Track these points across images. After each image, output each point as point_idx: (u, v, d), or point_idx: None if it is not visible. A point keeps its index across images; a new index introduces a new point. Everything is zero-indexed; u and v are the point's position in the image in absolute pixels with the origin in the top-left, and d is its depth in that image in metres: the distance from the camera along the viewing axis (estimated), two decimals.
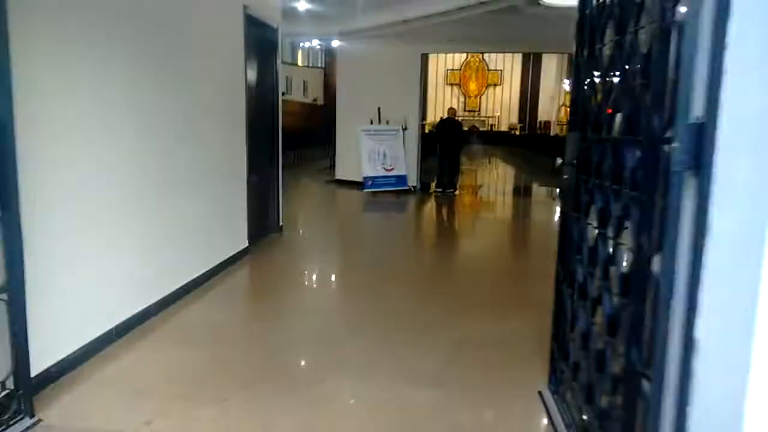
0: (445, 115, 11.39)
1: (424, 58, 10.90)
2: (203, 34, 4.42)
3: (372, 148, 10.55)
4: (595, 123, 2.23)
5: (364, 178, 10.45)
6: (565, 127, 36.92)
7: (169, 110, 3.90)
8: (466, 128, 36.10)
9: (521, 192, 13.28)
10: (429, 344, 3.37)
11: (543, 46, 10.76)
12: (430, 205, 10.34)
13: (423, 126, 11.54)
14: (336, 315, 3.97)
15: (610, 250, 1.95)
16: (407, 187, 10.68)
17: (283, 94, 21.53)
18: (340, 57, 11.72)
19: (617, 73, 2.03)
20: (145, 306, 3.58)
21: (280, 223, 6.50)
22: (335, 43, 11.98)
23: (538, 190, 13.26)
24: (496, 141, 33.90)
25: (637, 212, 1.69)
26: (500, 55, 38.98)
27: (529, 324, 3.71)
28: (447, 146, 10.83)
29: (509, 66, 39.10)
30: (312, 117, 34.54)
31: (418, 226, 8.08)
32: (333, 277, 5.17)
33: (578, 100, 2.48)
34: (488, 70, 39.16)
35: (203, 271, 4.43)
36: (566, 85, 37.66)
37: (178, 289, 3.99)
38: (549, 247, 7.25)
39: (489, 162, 22.19)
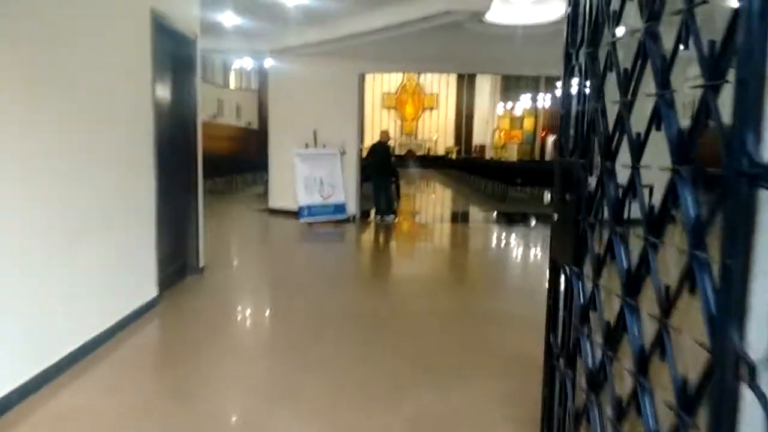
0: (377, 139, 10.78)
1: (362, 78, 10.33)
2: (97, 40, 3.60)
3: (308, 174, 9.81)
4: (607, 146, 1.62)
5: (300, 207, 9.67)
6: (499, 150, 37.66)
7: (51, 141, 3.06)
8: (402, 153, 36.30)
9: (461, 217, 12.86)
10: (379, 426, 2.66)
11: (484, 66, 10.48)
12: (370, 236, 9.68)
13: (360, 150, 10.91)
14: (260, 387, 3.18)
15: (649, 331, 1.32)
16: (346, 217, 9.98)
17: (214, 116, 20.48)
18: (273, 76, 10.98)
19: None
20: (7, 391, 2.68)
21: (201, 264, 5.63)
22: (267, 62, 11.22)
23: (477, 215, 12.89)
24: (433, 165, 33.89)
25: (707, 280, 1.07)
26: (436, 79, 39.39)
27: (493, 386, 3.08)
28: (379, 172, 10.26)
29: (444, 90, 39.56)
30: (246, 141, 33.36)
31: (358, 261, 7.35)
32: (258, 332, 4.34)
33: (579, 114, 1.88)
34: (424, 93, 39.43)
35: (94, 334, 3.52)
36: (499, 109, 38.49)
37: (57, 363, 3.09)
38: (495, 280, 6.80)
39: (427, 186, 21.91)
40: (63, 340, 3.21)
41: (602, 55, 1.76)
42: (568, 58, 1.98)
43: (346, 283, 5.69)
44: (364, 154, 10.84)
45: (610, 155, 1.61)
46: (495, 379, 3.22)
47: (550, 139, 39.29)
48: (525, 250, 8.14)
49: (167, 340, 4.05)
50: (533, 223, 11.11)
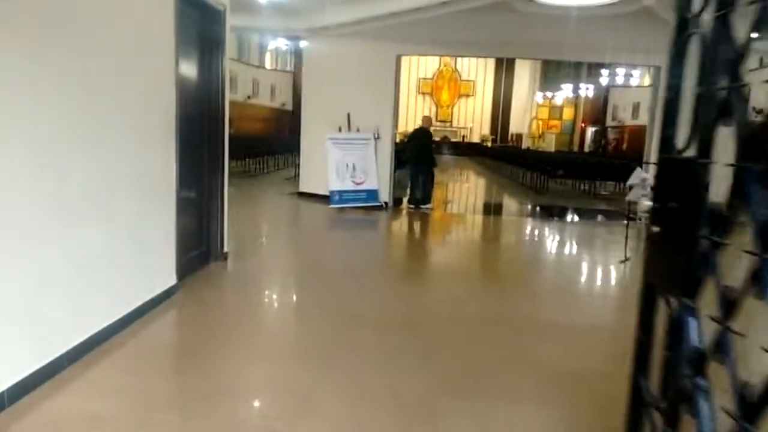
0: (419, 124, 10.37)
1: (399, 61, 9.87)
2: (112, 9, 3.26)
3: (340, 159, 9.45)
4: (752, 141, 1.18)
5: (331, 192, 9.33)
6: (536, 140, 36.69)
7: (63, 113, 2.75)
8: (437, 138, 35.77)
9: (496, 209, 12.33)
10: None
11: (529, 50, 9.91)
12: (405, 225, 9.29)
13: (395, 136, 10.48)
14: (275, 402, 2.84)
15: None
16: (378, 203, 9.60)
17: (248, 97, 20.33)
18: (307, 57, 10.61)
19: None
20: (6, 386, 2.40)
21: (225, 250, 5.32)
22: (303, 43, 10.85)
23: (515, 207, 12.35)
24: (468, 152, 33.18)
25: None
26: (473, 66, 38.49)
27: (540, 414, 2.67)
28: (418, 158, 9.86)
29: (482, 77, 38.63)
30: (280, 123, 33.29)
31: (388, 254, 6.92)
32: (280, 332, 3.99)
33: (700, 98, 1.42)
34: (461, 80, 38.60)
35: (105, 324, 3.24)
36: (539, 97, 37.39)
37: (55, 360, 2.80)
38: (537, 281, 6.01)
39: (461, 174, 21.33)
40: (65, 334, 2.92)
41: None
42: (681, 26, 1.52)
43: (375, 278, 5.31)
44: (399, 139, 10.43)
45: (755, 152, 1.16)
46: (541, 404, 2.80)
47: (590, 130, 38.12)
48: (569, 248, 7.61)
49: (181, 336, 3.75)
50: (576, 218, 10.54)
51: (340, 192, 9.37)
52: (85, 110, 3.01)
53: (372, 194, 9.59)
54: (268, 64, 32.90)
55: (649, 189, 5.92)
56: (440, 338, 3.70)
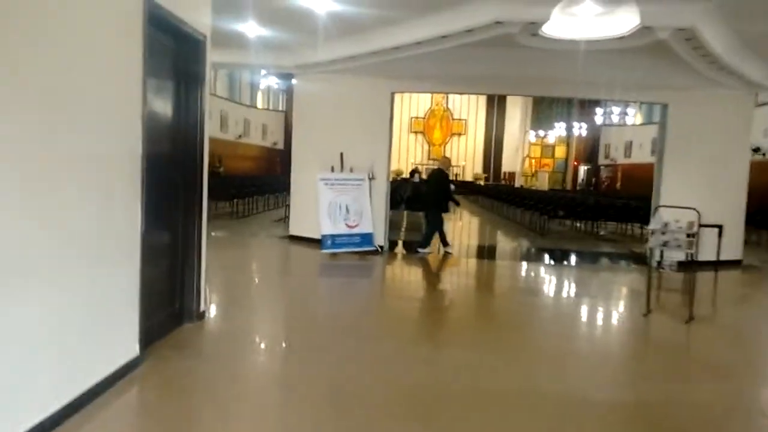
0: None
1: (393, 98, 9.44)
2: (64, 32, 2.73)
3: (332, 201, 8.88)
4: None
5: (323, 236, 8.73)
6: (529, 178, 36.52)
7: None
8: (425, 177, 35.38)
9: (497, 252, 11.74)
10: None
11: (530, 87, 9.54)
12: (403, 272, 8.67)
13: (389, 175, 9.97)
14: None
15: None
16: (374, 248, 9.00)
17: (239, 136, 19.90)
18: (298, 94, 10.17)
19: None
20: None
21: (201, 308, 4.68)
22: (294, 81, 10.42)
23: (516, 250, 11.77)
24: (461, 191, 32.71)
25: None
26: (464, 104, 38.66)
27: None
28: (434, 202, 9.51)
29: (474, 115, 38.79)
30: (271, 162, 32.89)
31: (390, 307, 6.15)
32: (263, 418, 3.31)
33: None
34: (453, 118, 38.70)
35: (42, 417, 2.58)
36: (531, 136, 37.43)
37: None
38: (560, 342, 5.02)
39: (456, 213, 20.82)
40: None
41: None
42: None
43: (373, 341, 4.64)
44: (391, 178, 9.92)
45: None
46: None
47: (583, 168, 38.03)
48: (582, 299, 6.98)
49: (140, 428, 3.06)
50: (582, 262, 9.98)
51: (333, 236, 8.78)
52: (20, 154, 2.43)
53: (367, 238, 9.00)
54: (259, 104, 32.73)
55: (682, 237, 5.38)
56: (457, 425, 3.04)
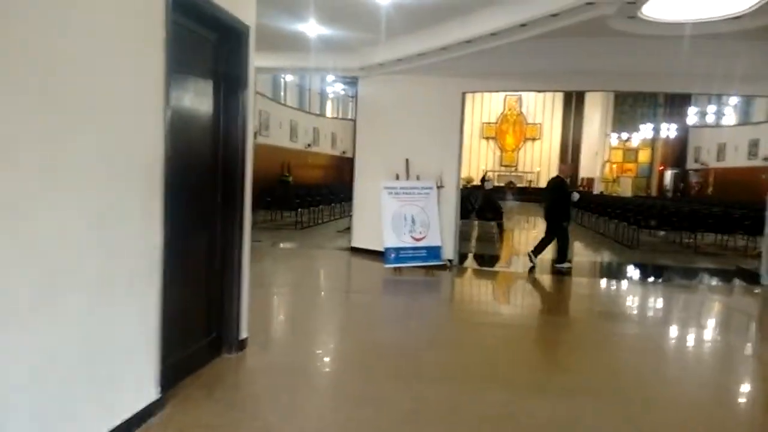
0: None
1: (464, 98, 8.66)
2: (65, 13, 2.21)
3: (397, 211, 8.21)
4: None
5: (386, 249, 8.06)
6: (610, 184, 34.41)
7: None
8: (501, 184, 34.24)
9: (587, 269, 10.62)
10: None
11: (615, 82, 8.47)
12: (477, 290, 7.86)
13: (460, 183, 9.17)
14: None
15: None
16: (442, 262, 8.23)
17: (309, 145, 19.75)
18: (362, 97, 9.60)
19: None
20: None
21: (243, 335, 4.11)
22: (359, 84, 9.86)
23: (602, 266, 10.61)
24: (535, 198, 31.25)
25: None
26: (540, 107, 37.05)
27: None
28: (552, 213, 8.90)
29: (549, 119, 37.10)
30: (340, 170, 32.77)
31: (462, 335, 5.35)
32: None
33: None
34: (526, 123, 37.16)
35: None
36: (613, 139, 35.24)
37: None
38: (686, 390, 3.75)
39: (532, 223, 19.59)
40: None
41: None
42: None
43: (446, 382, 3.88)
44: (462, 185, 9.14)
45: None
46: None
47: (669, 173, 35.33)
48: (707, 335, 5.64)
49: None
50: (686, 281, 8.73)
51: (397, 249, 8.09)
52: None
53: (434, 251, 8.25)
54: (329, 112, 32.76)
55: None
56: None
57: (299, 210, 13.37)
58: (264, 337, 4.51)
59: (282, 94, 26.15)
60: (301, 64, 8.89)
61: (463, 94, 8.58)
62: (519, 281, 8.38)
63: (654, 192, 34.25)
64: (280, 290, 6.55)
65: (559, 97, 36.77)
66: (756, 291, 7.65)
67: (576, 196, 9.22)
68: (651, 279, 8.70)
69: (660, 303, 7.17)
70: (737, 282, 8.34)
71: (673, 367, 4.49)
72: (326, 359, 4.35)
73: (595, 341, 5.17)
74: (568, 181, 9.41)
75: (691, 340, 5.39)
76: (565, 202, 8.81)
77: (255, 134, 21.61)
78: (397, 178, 8.50)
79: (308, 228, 13.35)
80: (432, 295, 7.10)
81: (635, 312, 6.66)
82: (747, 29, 6.34)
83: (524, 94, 36.80)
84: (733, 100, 27.10)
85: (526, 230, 17.04)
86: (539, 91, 27.61)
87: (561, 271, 8.51)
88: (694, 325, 6.03)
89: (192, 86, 3.50)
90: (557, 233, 8.81)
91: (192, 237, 3.59)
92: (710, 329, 5.85)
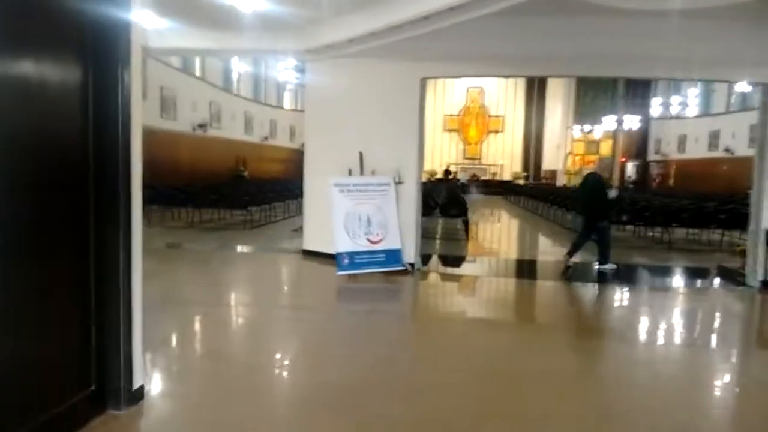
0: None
1: (424, 85, 7.79)
2: None
3: (350, 211, 7.28)
4: None
5: (339, 254, 7.13)
6: (573, 176, 34.26)
7: None
8: (467, 177, 33.71)
9: (553, 270, 9.93)
10: None
11: (589, 66, 7.72)
12: (442, 299, 7.01)
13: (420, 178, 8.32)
14: None
15: None
16: (403, 267, 7.36)
17: (266, 138, 18.63)
18: (310, 84, 8.62)
19: None
20: None
21: (135, 384, 3.13)
22: (304, 71, 8.86)
23: (579, 265, 9.94)
24: (500, 191, 30.88)
25: None
26: (502, 99, 36.66)
27: None
28: (589, 210, 8.41)
29: (511, 112, 36.76)
30: (300, 165, 31.49)
31: (430, 358, 4.46)
32: None
33: None
34: (489, 115, 36.74)
35: None
36: (576, 132, 35.09)
37: None
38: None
39: (497, 218, 19.00)
40: None
41: None
42: None
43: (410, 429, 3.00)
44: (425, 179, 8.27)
45: None
46: None
47: (631, 164, 35.36)
48: (701, 352, 4.93)
49: None
50: (665, 282, 8.10)
51: (351, 254, 7.17)
52: None
53: (393, 255, 7.36)
54: (287, 104, 31.50)
55: None
56: None
57: (249, 208, 12.32)
58: (169, 384, 3.54)
59: (234, 84, 24.84)
60: (234, 45, 7.84)
61: (423, 79, 7.69)
62: (487, 285, 7.60)
63: (616, 184, 34.26)
64: (204, 311, 5.52)
65: (521, 89, 36.46)
66: (740, 293, 7.05)
67: (614, 193, 8.52)
68: (635, 283, 8.02)
69: (641, 310, 6.48)
70: (723, 284, 7.71)
71: (664, 391, 3.72)
72: (250, 412, 3.39)
73: (573, 347, 4.36)
74: (606, 177, 8.71)
75: (688, 363, 4.66)
76: (602, 200, 8.22)
77: (204, 126, 20.31)
78: (350, 173, 7.57)
79: (259, 227, 12.30)
80: (391, 310, 6.17)
81: (611, 322, 5.93)
82: (732, 4, 5.70)
83: (486, 86, 36.36)
84: (694, 92, 27.09)
85: (493, 225, 16.39)
86: (500, 77, 27.11)
87: (604, 273, 8.01)
88: (687, 341, 5.32)
89: (36, 54, 2.49)
90: (593, 233, 8.30)
91: (42, 255, 2.60)
92: (699, 346, 5.15)
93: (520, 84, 36.43)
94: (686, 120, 28.25)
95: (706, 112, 26.87)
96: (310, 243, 8.55)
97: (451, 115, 36.75)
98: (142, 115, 3.15)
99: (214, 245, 9.87)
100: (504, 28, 6.63)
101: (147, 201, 12.52)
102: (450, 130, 36.96)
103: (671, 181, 29.77)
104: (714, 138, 25.35)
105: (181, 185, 14.78)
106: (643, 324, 5.81)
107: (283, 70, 21.29)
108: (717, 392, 3.99)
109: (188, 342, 4.71)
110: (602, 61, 7.32)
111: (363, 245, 7.25)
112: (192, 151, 20.07)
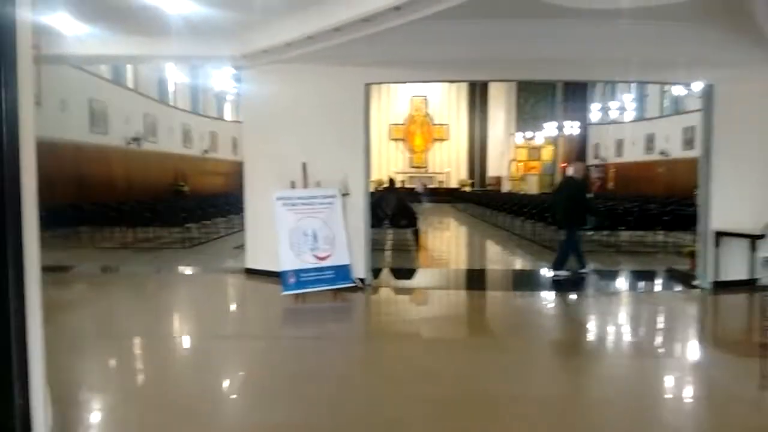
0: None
1: (369, 91, 7.44)
2: None
3: (295, 226, 6.81)
4: None
5: (283, 273, 6.65)
6: (518, 182, 34.81)
7: None
8: (413, 186, 33.67)
9: (521, 280, 9.77)
10: None
11: (534, 70, 7.57)
12: (390, 313, 6.62)
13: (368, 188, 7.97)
14: None
15: None
16: (352, 283, 6.94)
17: (205, 151, 17.77)
18: (247, 92, 8.11)
19: None
20: None
21: None
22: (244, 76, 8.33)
23: (537, 273, 9.83)
24: (447, 198, 31.02)
25: None
26: (445, 109, 36.94)
27: None
28: (567, 216, 8.14)
29: (455, 120, 37.10)
30: (241, 177, 30.66)
31: (384, 396, 4.14)
32: None
33: None
34: (433, 124, 36.93)
35: None
36: (518, 138, 35.74)
37: None
38: None
39: (447, 226, 18.87)
40: None
41: None
42: None
43: None
44: (373, 188, 7.92)
45: None
46: None
47: (570, 170, 36.08)
48: (672, 365, 4.71)
49: None
50: (622, 286, 8.03)
51: (297, 272, 6.69)
52: None
53: (342, 271, 6.93)
54: (228, 116, 30.54)
55: None
56: None
57: (187, 225, 11.60)
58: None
59: (171, 95, 23.80)
60: (163, 51, 7.27)
61: (367, 85, 7.35)
62: (441, 299, 7.29)
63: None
64: (135, 345, 4.94)
65: (464, 98, 36.88)
66: (698, 296, 7.03)
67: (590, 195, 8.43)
68: (590, 289, 7.90)
69: (621, 321, 6.30)
70: (676, 287, 7.69)
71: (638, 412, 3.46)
72: None
73: (548, 369, 4.07)
74: (582, 181, 8.46)
75: (655, 377, 4.46)
76: (582, 205, 8.14)
77: (138, 140, 19.28)
78: (293, 186, 7.11)
79: (200, 245, 11.60)
80: (342, 334, 5.71)
81: (579, 334, 5.72)
82: (650, 6, 5.68)
83: (430, 95, 36.58)
84: (629, 97, 28.03)
85: (443, 233, 16.19)
86: (446, 81, 27.27)
87: (558, 280, 7.88)
88: (652, 353, 5.15)
89: None
90: (574, 238, 8.15)
91: None
92: (669, 358, 4.99)
93: (463, 92, 36.88)
94: (623, 124, 29.17)
95: (641, 117, 27.82)
96: (253, 261, 8.02)
97: (396, 125, 36.74)
98: (34, 125, 2.64)
99: (148, 267, 9.15)
100: (447, 32, 6.43)
101: (72, 222, 11.79)
102: (396, 139, 36.93)
103: (610, 184, 30.64)
104: (650, 141, 26.25)
105: (114, 203, 13.86)
106: (608, 335, 5.62)
107: (223, 80, 20.51)
108: (691, 406, 3.78)
109: (111, 386, 4.12)
110: (544, 65, 7.21)
111: (309, 262, 6.79)
112: (126, 166, 18.99)
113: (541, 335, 5.52)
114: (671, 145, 24.03)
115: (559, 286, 7.73)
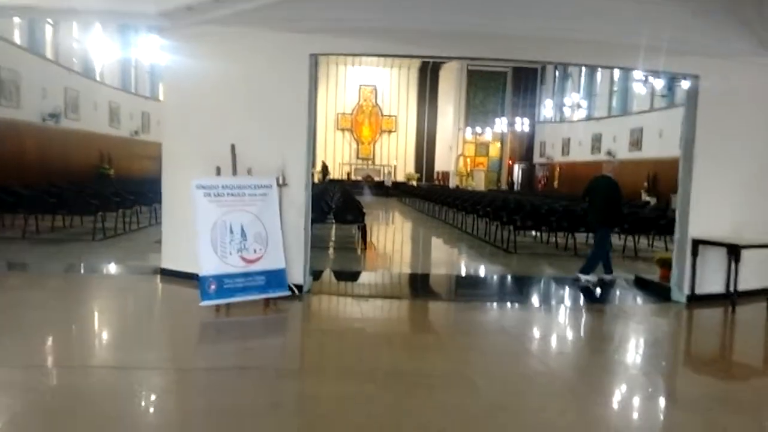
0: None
1: (315, 63, 6.32)
2: None
3: (219, 221, 5.60)
4: None
5: (203, 278, 5.44)
6: (465, 178, 34.36)
7: None
8: (359, 178, 32.65)
9: (478, 289, 8.89)
10: None
11: (506, 48, 6.62)
12: (332, 332, 5.54)
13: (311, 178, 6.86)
14: None
15: None
16: (287, 292, 5.81)
17: (135, 133, 15.91)
18: (168, 60, 6.77)
19: None
20: None
21: None
22: (160, 41, 6.95)
23: (495, 280, 9.00)
24: (394, 193, 30.20)
25: None
26: (395, 100, 36.06)
27: None
28: (600, 218, 7.58)
29: (404, 112, 36.29)
30: None
31: None
32: None
33: None
34: (382, 115, 35.98)
35: None
36: (467, 134, 35.28)
37: None
38: None
39: (395, 223, 17.94)
40: None
41: None
42: None
43: None
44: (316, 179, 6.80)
45: None
46: None
47: (518, 167, 36.01)
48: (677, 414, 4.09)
49: None
50: (598, 303, 7.26)
51: (220, 278, 5.49)
52: None
53: (276, 276, 5.79)
54: (162, 95, 28.45)
55: None
56: None
57: (99, 214, 10.08)
58: None
59: (98, 70, 21.65)
60: (64, 4, 5.86)
61: (312, 56, 6.21)
62: (392, 310, 6.29)
63: (504, 185, 34.91)
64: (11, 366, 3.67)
65: (414, 89, 36.05)
66: (673, 311, 6.34)
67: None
68: (554, 301, 7.09)
69: (595, 340, 5.48)
70: (646, 299, 6.95)
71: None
72: None
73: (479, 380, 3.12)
74: (616, 181, 7.67)
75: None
76: (617, 207, 7.61)
77: (57, 117, 17.29)
78: (219, 172, 5.89)
79: (113, 238, 10.10)
80: (272, 362, 4.45)
81: (557, 365, 4.84)
82: None
83: (379, 85, 35.59)
84: (576, 96, 27.97)
85: (391, 230, 15.20)
86: (395, 56, 26.41)
87: (583, 284, 7.30)
88: (651, 393, 4.32)
89: None
90: (606, 241, 7.65)
91: None
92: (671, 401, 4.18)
93: (413, 83, 36.14)
94: (570, 123, 29.13)
95: (590, 116, 27.81)
96: (170, 260, 6.76)
97: (343, 114, 35.61)
98: None
99: (44, 266, 7.66)
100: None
101: None
102: (343, 129, 35.80)
103: (555, 183, 30.65)
104: (596, 141, 26.23)
105: (20, 186, 12.06)
106: (587, 357, 4.77)
107: (156, 55, 18.67)
108: None
109: None
110: (504, 42, 6.31)
111: (236, 265, 5.61)
112: (41, 145, 16.96)
113: (507, 352, 4.60)
114: (618, 145, 24.03)
115: (586, 292, 7.03)
